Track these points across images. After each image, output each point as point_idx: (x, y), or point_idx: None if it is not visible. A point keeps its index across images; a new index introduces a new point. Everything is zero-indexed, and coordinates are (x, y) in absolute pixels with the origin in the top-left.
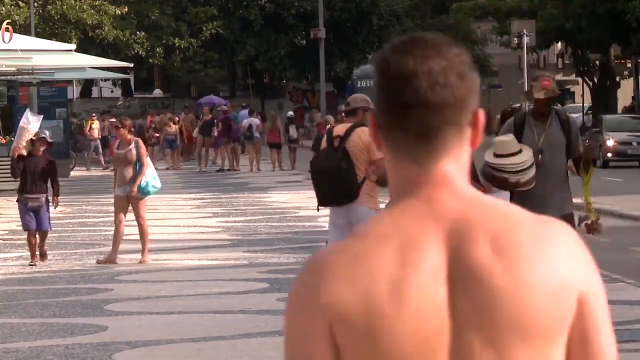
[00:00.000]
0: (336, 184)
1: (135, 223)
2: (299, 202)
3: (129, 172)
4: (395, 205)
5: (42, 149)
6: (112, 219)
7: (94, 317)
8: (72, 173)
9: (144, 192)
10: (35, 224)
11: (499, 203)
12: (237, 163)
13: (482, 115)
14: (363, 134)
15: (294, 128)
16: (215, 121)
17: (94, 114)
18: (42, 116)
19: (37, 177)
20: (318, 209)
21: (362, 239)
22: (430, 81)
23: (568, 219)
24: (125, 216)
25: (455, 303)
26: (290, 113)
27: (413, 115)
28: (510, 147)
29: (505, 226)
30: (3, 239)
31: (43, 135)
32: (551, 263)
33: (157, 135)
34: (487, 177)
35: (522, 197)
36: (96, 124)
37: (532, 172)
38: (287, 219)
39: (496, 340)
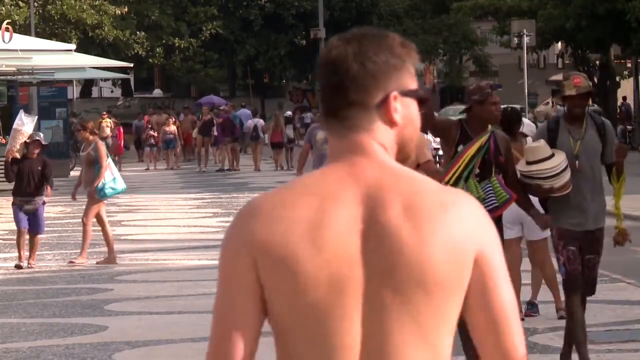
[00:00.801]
0: None
1: (134, 223)
2: None
3: (90, 173)
4: (324, 166)
5: (36, 151)
6: (112, 219)
7: (94, 317)
8: (72, 173)
9: (100, 194)
10: (27, 225)
11: (413, 173)
12: (237, 163)
13: (392, 98)
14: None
15: (290, 128)
16: (214, 121)
17: (104, 112)
18: (36, 117)
19: (32, 180)
20: None
21: (289, 189)
22: (335, 67)
23: (601, 232)
24: (104, 214)
25: (367, 254)
26: (288, 113)
27: (326, 96)
28: (541, 153)
29: (415, 192)
30: (3, 239)
31: (37, 138)
32: (452, 225)
33: (154, 135)
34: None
35: (558, 203)
36: (106, 122)
37: (566, 176)
38: None
39: (400, 288)
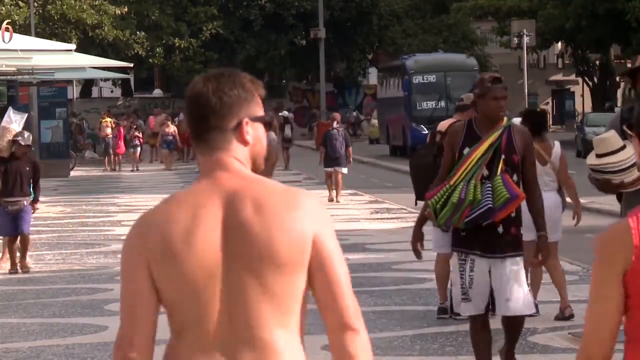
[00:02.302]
0: (429, 181)
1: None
2: None
3: None
4: (196, 182)
5: (25, 150)
6: (112, 219)
7: (94, 317)
8: (72, 173)
9: None
10: (12, 229)
11: (263, 179)
12: None
13: (245, 123)
14: None
15: (288, 128)
16: None
17: (104, 112)
18: (26, 115)
19: (19, 180)
20: (416, 203)
21: (170, 203)
22: (198, 100)
23: None
24: None
25: (228, 245)
26: (285, 112)
27: (192, 123)
28: (611, 144)
29: (264, 194)
30: (3, 239)
31: (18, 139)
32: (293, 217)
33: (139, 135)
34: (591, 182)
35: (632, 197)
36: (106, 122)
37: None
38: None
39: (254, 269)
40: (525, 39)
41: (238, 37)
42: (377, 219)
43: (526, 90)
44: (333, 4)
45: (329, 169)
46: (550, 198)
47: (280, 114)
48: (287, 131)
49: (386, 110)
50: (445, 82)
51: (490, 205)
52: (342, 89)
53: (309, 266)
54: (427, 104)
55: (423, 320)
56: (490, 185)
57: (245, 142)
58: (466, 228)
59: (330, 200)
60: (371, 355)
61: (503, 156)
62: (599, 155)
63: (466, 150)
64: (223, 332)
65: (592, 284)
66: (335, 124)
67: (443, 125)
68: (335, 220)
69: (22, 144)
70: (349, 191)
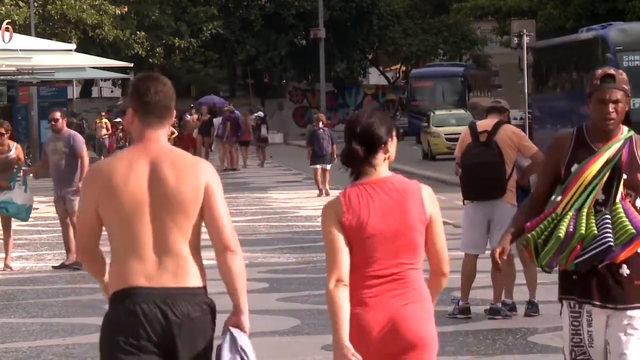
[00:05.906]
0: (490, 179)
1: None
2: (299, 202)
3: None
4: (132, 145)
5: None
6: None
7: (94, 317)
8: None
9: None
10: None
11: (176, 149)
12: (237, 163)
13: (172, 111)
14: (513, 133)
15: (265, 127)
16: (223, 120)
17: (102, 112)
18: None
19: None
20: (464, 203)
21: (112, 158)
22: (150, 94)
23: None
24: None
25: (151, 190)
26: (260, 113)
27: (147, 110)
28: None
29: (176, 158)
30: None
31: None
32: (195, 173)
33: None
34: None
35: None
36: (101, 123)
37: None
38: (287, 219)
39: (168, 208)
40: (525, 39)
41: (238, 37)
42: None
43: (526, 90)
44: (333, 4)
45: (317, 166)
46: None
47: (255, 114)
48: (263, 131)
49: (553, 115)
50: None
51: (610, 243)
52: (342, 89)
53: (202, 205)
54: None
55: None
56: (609, 216)
57: (172, 124)
58: (577, 271)
59: (320, 194)
60: (244, 271)
61: (625, 176)
62: None
63: (574, 167)
64: (151, 247)
65: (325, 236)
66: (320, 124)
67: (485, 124)
68: None
69: None
70: None
